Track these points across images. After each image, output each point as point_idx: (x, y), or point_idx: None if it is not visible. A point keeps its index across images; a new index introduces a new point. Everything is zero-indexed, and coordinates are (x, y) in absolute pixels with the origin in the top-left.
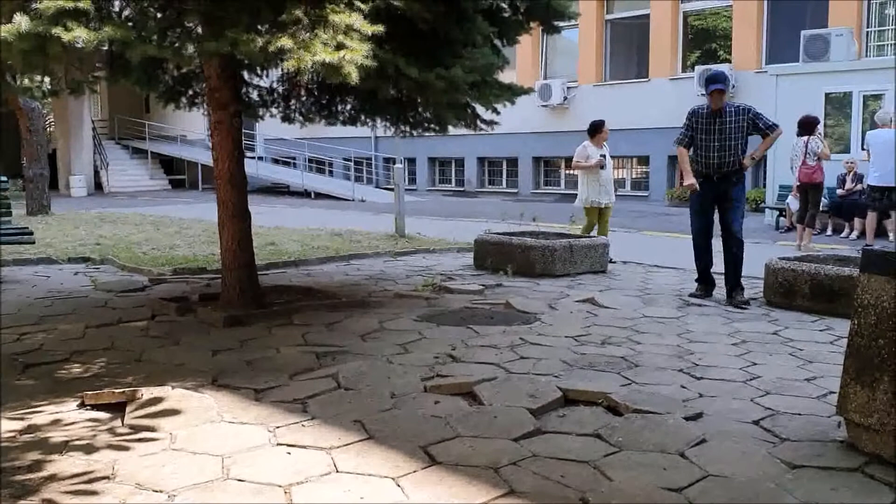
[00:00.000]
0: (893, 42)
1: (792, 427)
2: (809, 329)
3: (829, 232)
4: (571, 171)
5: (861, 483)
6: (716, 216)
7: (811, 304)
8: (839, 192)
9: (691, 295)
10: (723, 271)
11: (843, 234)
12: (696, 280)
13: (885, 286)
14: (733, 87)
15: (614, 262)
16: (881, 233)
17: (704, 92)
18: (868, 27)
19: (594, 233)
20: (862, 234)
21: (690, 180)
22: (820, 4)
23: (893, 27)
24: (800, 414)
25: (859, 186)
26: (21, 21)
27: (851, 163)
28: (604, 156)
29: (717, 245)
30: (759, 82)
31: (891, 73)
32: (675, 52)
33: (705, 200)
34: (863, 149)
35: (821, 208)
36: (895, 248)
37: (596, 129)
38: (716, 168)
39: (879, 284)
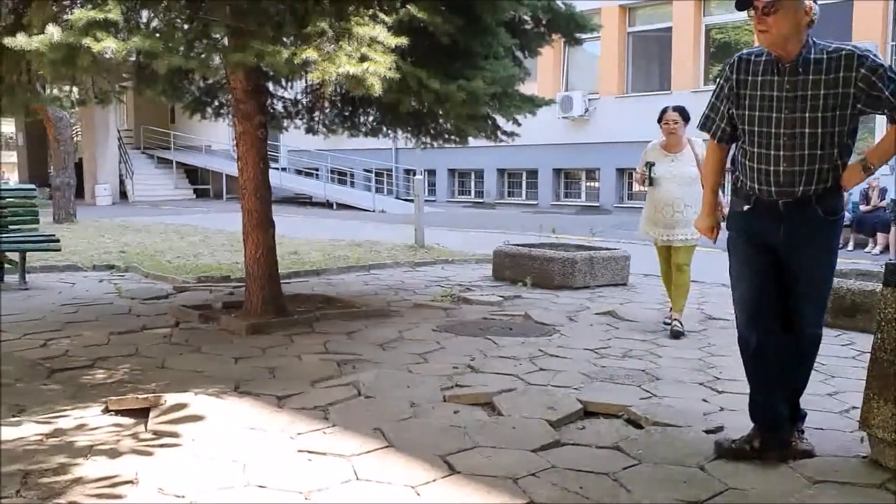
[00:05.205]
0: None
1: (813, 441)
2: (832, 344)
3: (850, 247)
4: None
5: (883, 499)
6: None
7: (833, 319)
8: (863, 207)
9: (733, 449)
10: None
11: (865, 249)
12: (754, 420)
13: None
14: None
15: (683, 336)
16: None
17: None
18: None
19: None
20: (885, 249)
21: (707, 219)
22: (844, 18)
23: None
24: (822, 429)
25: (883, 202)
26: (53, 32)
27: (874, 178)
28: (651, 164)
29: None
30: None
31: None
32: (697, 64)
33: (757, 252)
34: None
35: None
36: None
37: (659, 119)
38: (782, 184)
39: None
